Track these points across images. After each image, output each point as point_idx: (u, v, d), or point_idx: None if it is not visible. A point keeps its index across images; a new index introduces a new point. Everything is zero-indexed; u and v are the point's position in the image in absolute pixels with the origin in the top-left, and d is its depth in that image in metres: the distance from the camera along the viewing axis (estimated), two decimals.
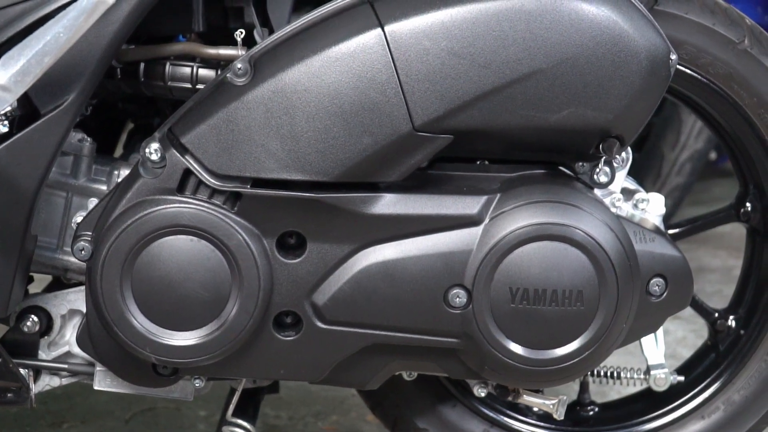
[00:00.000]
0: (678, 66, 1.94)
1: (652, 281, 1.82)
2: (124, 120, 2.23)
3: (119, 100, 2.07)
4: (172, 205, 1.72)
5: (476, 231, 1.75)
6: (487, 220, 1.75)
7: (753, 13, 3.33)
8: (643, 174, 3.24)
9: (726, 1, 2.96)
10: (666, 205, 3.23)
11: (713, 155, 3.45)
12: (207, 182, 1.72)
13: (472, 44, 1.69)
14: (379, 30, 1.69)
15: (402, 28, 1.69)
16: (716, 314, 2.14)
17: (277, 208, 1.73)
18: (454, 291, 1.75)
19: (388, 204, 1.74)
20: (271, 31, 1.96)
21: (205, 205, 1.73)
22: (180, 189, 1.73)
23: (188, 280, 1.73)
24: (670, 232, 2.14)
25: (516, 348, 1.77)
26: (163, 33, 1.93)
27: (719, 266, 3.60)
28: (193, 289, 1.73)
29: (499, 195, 1.76)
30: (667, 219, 3.25)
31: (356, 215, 1.73)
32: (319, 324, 1.77)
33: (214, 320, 1.74)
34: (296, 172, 1.70)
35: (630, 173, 1.95)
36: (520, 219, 1.74)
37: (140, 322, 1.74)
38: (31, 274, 1.88)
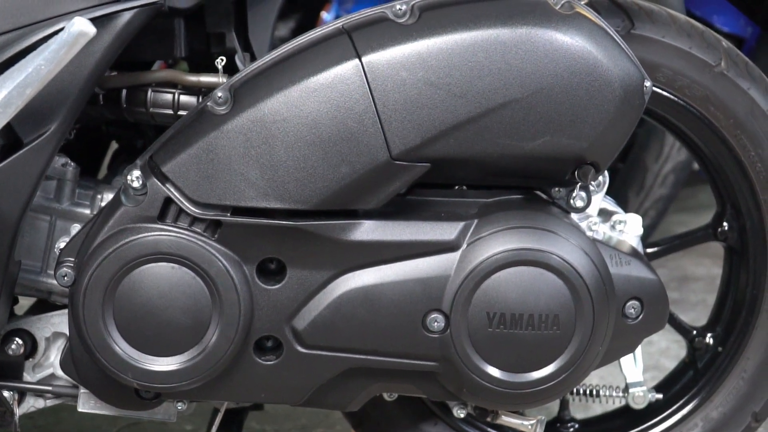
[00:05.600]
0: (655, 89, 1.96)
1: (627, 304, 1.84)
2: (108, 142, 2.24)
3: (103, 123, 2.09)
4: (153, 233, 1.74)
5: (454, 257, 1.77)
6: (464, 246, 1.78)
7: (735, 24, 3.35)
8: (627, 185, 3.25)
9: (709, 11, 2.98)
10: (650, 216, 3.29)
11: (697, 165, 3.47)
12: (187, 210, 1.74)
13: (449, 74, 1.71)
14: (356, 60, 1.71)
15: (379, 58, 1.71)
16: (694, 332, 2.16)
17: (257, 236, 1.75)
18: (433, 316, 1.77)
19: (366, 231, 1.76)
20: (253, 56, 1.98)
21: (186, 232, 1.75)
22: (161, 217, 1.75)
23: (169, 307, 1.75)
24: (649, 250, 2.16)
25: (493, 371, 1.79)
26: (145, 59, 1.95)
27: (704, 275, 3.63)
28: (174, 315, 1.75)
29: (476, 221, 1.78)
30: (651, 229, 3.29)
31: (335, 242, 1.75)
32: (300, 348, 1.79)
33: (195, 346, 1.77)
34: (275, 200, 1.73)
35: (614, 185, 1.97)
36: (497, 245, 1.77)
37: (122, 347, 1.76)
38: (15, 295, 1.90)
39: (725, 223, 2.10)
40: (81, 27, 1.63)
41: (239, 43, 1.94)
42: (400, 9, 1.76)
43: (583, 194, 1.85)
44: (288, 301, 1.77)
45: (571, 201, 1.85)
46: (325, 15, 3.84)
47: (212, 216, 1.74)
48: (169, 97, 1.88)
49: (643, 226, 2.02)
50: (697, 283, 3.57)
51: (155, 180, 1.75)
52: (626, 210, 2.02)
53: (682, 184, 3.33)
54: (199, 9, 1.89)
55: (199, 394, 1.83)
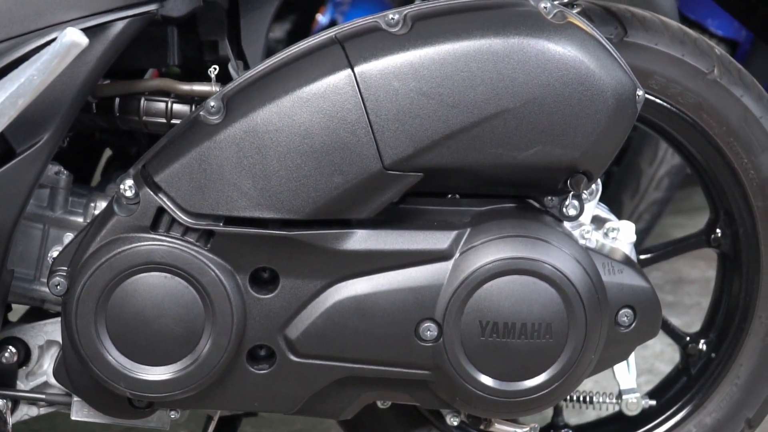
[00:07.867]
0: (648, 96, 1.96)
1: (620, 312, 1.85)
2: (101, 149, 2.24)
3: (96, 130, 2.09)
4: (145, 243, 1.74)
5: (447, 265, 1.77)
6: (457, 255, 1.78)
7: (729, 28, 3.35)
8: (622, 189, 3.25)
9: (703, 15, 2.98)
10: (645, 220, 3.29)
11: None
12: (180, 220, 1.74)
13: (441, 84, 1.71)
14: (349, 70, 1.71)
15: (372, 68, 1.71)
16: (687, 338, 2.16)
17: (250, 245, 1.75)
18: (425, 324, 1.77)
19: (359, 240, 1.77)
20: (246, 64, 1.98)
21: (179, 242, 1.75)
22: (153, 226, 1.75)
23: (162, 316, 1.75)
24: (642, 257, 2.16)
25: (486, 380, 1.79)
26: (138, 67, 1.95)
27: (698, 277, 3.63)
28: (167, 324, 1.75)
29: (469, 230, 1.79)
30: (646, 233, 3.29)
31: (328, 251, 1.76)
32: (293, 357, 1.79)
33: (188, 355, 1.76)
34: (268, 210, 1.73)
35: (608, 189, 1.98)
36: (489, 253, 1.77)
37: (115, 357, 1.76)
38: (8, 303, 1.90)
39: (718, 230, 2.10)
40: (73, 37, 1.62)
41: (232, 51, 1.94)
42: (392, 18, 1.76)
43: (576, 203, 1.85)
44: (281, 310, 1.77)
45: (564, 209, 1.85)
46: (320, 17, 3.85)
47: (205, 226, 1.74)
48: (162, 105, 1.88)
49: (637, 230, 2.02)
50: (691, 285, 3.57)
51: (148, 189, 1.75)
52: (621, 214, 2.03)
53: (677, 187, 3.34)
54: (192, 17, 1.89)
55: (192, 403, 1.83)
